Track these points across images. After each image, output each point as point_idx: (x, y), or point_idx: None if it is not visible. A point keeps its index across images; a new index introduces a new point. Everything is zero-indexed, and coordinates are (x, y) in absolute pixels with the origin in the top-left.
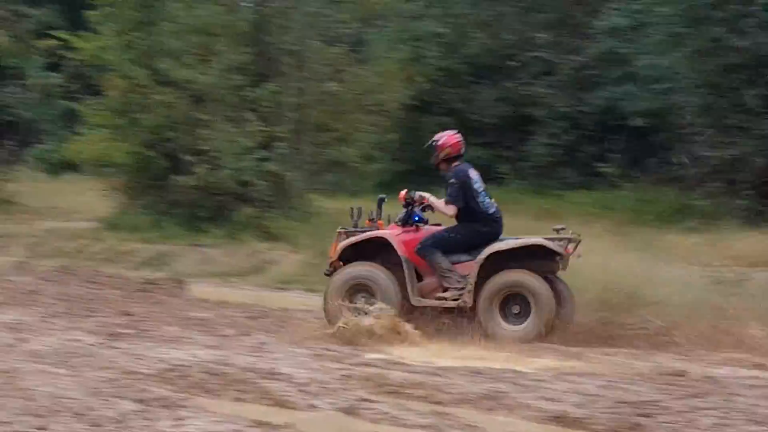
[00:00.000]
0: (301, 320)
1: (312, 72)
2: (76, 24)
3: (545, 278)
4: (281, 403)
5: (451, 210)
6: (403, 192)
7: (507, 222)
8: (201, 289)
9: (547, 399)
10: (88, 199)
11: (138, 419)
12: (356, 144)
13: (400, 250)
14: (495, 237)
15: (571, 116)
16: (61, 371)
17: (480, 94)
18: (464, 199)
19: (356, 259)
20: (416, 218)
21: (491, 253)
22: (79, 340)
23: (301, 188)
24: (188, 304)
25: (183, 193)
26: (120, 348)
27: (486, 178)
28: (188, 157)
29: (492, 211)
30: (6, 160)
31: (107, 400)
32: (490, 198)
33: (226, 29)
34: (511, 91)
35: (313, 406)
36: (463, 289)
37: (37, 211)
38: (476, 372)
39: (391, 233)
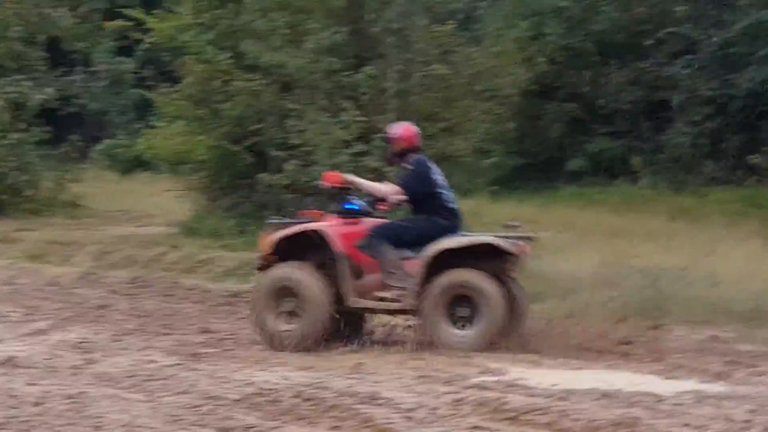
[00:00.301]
0: None
1: (417, 53)
2: (150, 2)
3: (499, 279)
4: None
5: (396, 193)
6: (330, 174)
7: (637, 224)
8: None
9: (688, 426)
10: (163, 201)
11: None
12: (468, 135)
13: (337, 245)
14: (453, 232)
15: (715, 101)
16: (135, 396)
17: (609, 76)
18: (420, 188)
19: (291, 255)
20: (348, 207)
21: (438, 251)
22: (154, 362)
23: None
24: None
25: (271, 194)
26: (201, 370)
27: (614, 173)
28: (277, 153)
29: (452, 206)
30: (71, 158)
31: (187, 429)
32: (453, 195)
33: (318, 6)
34: (645, 72)
35: None
36: (405, 289)
37: (105, 215)
38: (606, 395)
39: (328, 225)
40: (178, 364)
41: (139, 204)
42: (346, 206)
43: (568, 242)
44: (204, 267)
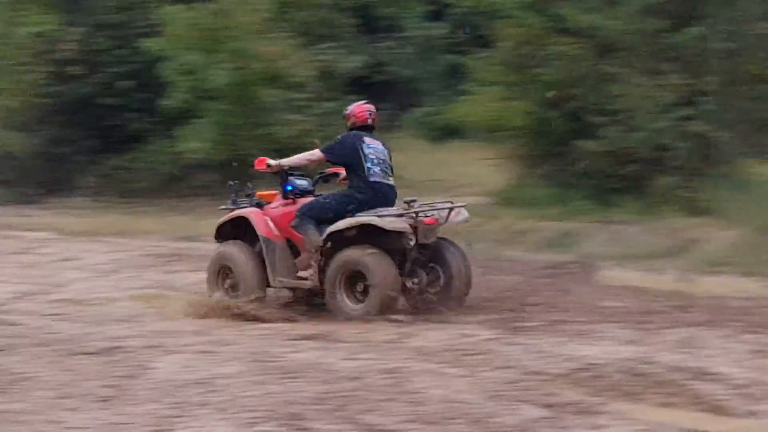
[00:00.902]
0: (740, 309)
1: (745, 11)
2: None
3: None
4: (716, 409)
5: (313, 155)
6: (258, 159)
7: None
8: (614, 273)
9: None
10: (477, 170)
11: (546, 427)
12: None
13: (260, 229)
14: (372, 207)
15: None
16: (454, 371)
17: None
18: (341, 158)
19: (237, 235)
20: (288, 188)
21: (332, 232)
22: (473, 335)
23: (734, 152)
24: (600, 292)
25: (590, 161)
26: (521, 344)
27: None
28: (595, 118)
29: (375, 179)
30: (382, 126)
31: (509, 405)
32: (384, 171)
33: None
34: None
35: (753, 413)
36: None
37: (419, 184)
38: None
39: (253, 210)
40: (497, 338)
41: (452, 173)
42: (285, 187)
43: None
44: (521, 238)
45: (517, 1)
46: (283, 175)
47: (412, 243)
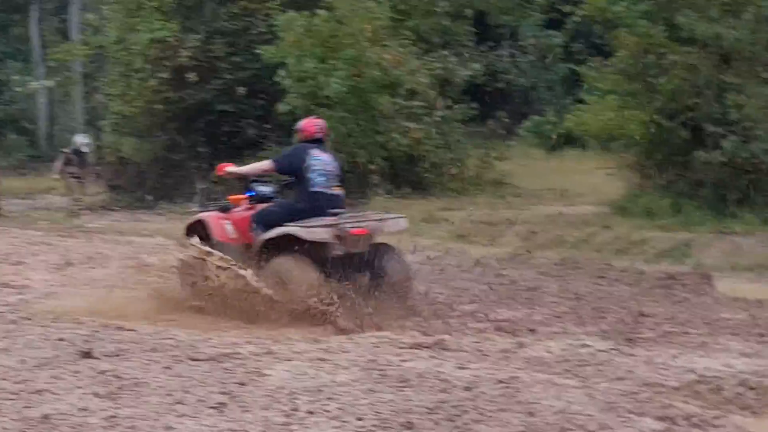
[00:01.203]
0: None
1: None
2: None
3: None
4: None
5: (265, 164)
6: (219, 165)
7: None
8: (732, 285)
9: None
10: (593, 180)
11: None
12: None
13: (214, 232)
14: (311, 216)
15: None
16: (569, 382)
17: None
18: (288, 168)
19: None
20: (248, 193)
21: (266, 239)
22: (588, 346)
23: None
24: (717, 303)
25: (708, 171)
26: (638, 355)
27: None
28: (714, 128)
29: (316, 189)
30: (497, 134)
31: (625, 417)
32: (328, 181)
33: None
34: None
35: None
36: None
37: (533, 193)
38: None
39: (212, 215)
40: (612, 349)
41: (567, 182)
42: (247, 193)
43: None
44: (637, 248)
45: (636, 10)
46: (246, 182)
47: (338, 252)
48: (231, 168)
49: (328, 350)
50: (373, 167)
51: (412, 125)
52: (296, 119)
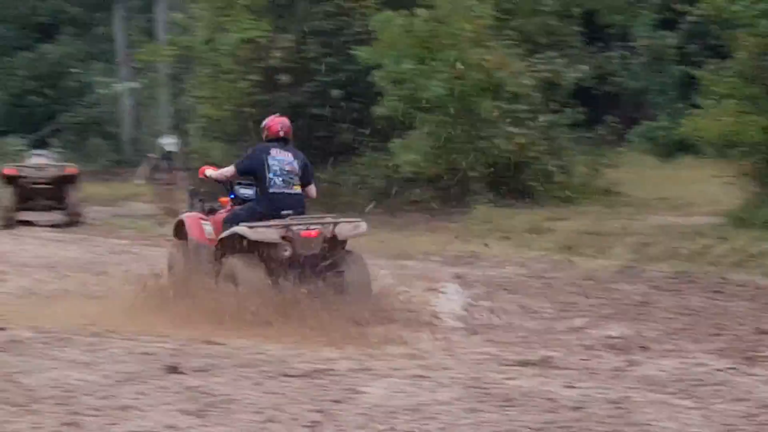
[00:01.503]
0: None
1: None
2: None
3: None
4: None
5: (229, 170)
6: (201, 170)
7: None
8: None
9: None
10: (709, 188)
11: None
12: None
13: (190, 232)
14: (270, 217)
15: None
16: (685, 403)
17: None
18: (248, 169)
19: None
20: (231, 196)
21: (221, 239)
22: (704, 365)
23: None
24: None
25: None
26: (757, 375)
27: None
28: None
29: (274, 190)
30: (607, 140)
31: None
32: (287, 182)
33: None
34: None
35: None
36: None
37: (644, 203)
38: None
39: (192, 215)
40: (731, 368)
41: (681, 191)
42: (230, 195)
43: None
44: (756, 261)
45: (756, 9)
46: (228, 185)
47: (287, 254)
48: (208, 171)
49: (428, 367)
50: (474, 174)
51: (515, 130)
52: (394, 124)
